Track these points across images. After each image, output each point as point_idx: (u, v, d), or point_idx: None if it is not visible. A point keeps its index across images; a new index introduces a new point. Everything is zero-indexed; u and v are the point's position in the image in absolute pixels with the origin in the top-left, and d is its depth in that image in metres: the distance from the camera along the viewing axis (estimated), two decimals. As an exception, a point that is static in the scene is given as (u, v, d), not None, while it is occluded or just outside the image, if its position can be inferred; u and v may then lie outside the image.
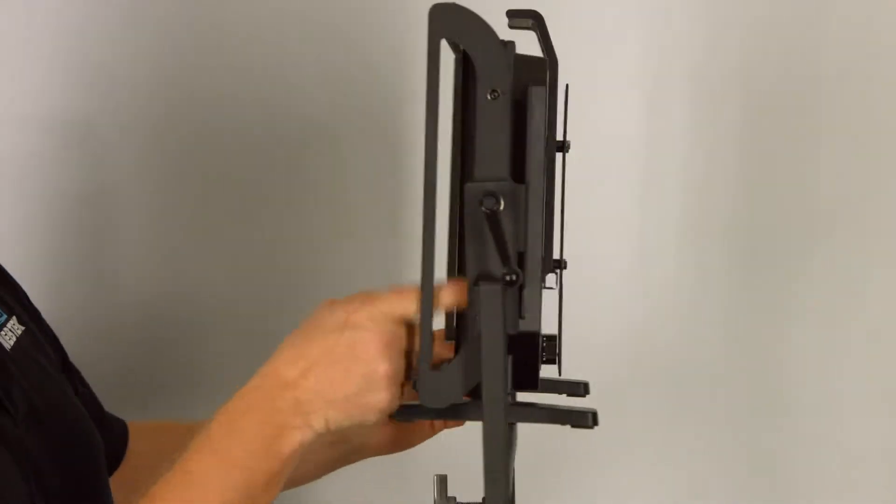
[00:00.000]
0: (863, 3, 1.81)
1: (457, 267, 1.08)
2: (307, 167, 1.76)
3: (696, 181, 1.83)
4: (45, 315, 1.32)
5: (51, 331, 1.32)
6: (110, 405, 1.40)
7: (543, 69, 1.08)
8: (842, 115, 1.81)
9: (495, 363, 1.04)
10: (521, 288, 1.06)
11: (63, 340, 1.35)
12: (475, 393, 1.07)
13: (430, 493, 1.26)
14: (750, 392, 1.83)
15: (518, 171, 1.07)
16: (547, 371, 1.24)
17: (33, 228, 1.69)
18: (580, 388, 1.26)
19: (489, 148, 1.04)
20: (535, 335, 1.08)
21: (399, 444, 1.34)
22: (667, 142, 1.82)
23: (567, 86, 1.15)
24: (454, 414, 1.09)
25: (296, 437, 1.06)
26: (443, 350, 1.14)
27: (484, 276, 1.04)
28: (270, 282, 1.75)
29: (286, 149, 1.75)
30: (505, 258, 1.03)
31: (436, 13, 1.03)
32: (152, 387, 1.73)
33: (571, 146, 1.23)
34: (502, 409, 1.04)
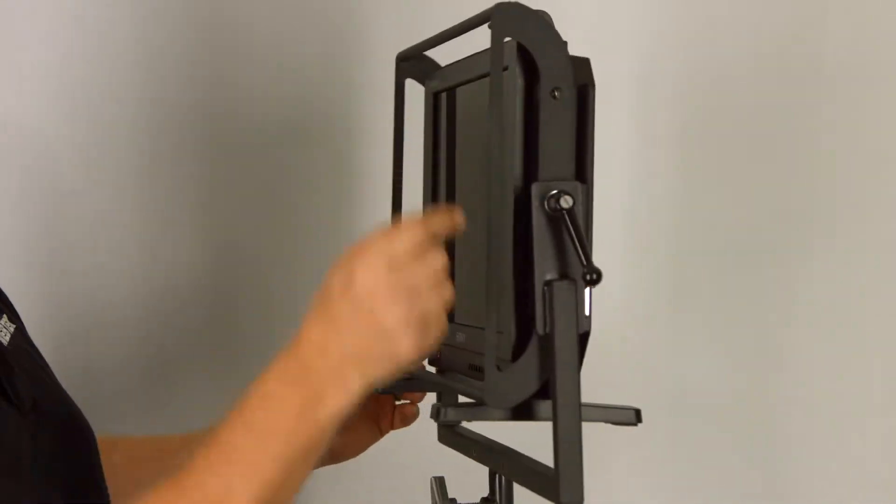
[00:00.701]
0: (863, 3, 1.81)
1: (512, 267, 1.07)
2: (304, 165, 1.76)
3: (693, 181, 1.82)
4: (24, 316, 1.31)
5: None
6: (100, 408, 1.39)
7: (590, 68, 1.08)
8: (842, 114, 1.81)
9: (570, 362, 1.03)
10: (591, 287, 1.05)
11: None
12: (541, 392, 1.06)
13: (427, 494, 1.26)
14: (750, 392, 1.83)
15: (579, 171, 1.07)
16: None
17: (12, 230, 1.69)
18: None
19: (554, 147, 1.05)
20: (587, 335, 1.06)
21: (348, 451, 1.34)
22: (660, 141, 1.81)
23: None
24: (521, 415, 1.08)
25: (333, 403, 1.04)
26: None
27: (560, 275, 1.04)
28: (266, 280, 1.74)
29: (284, 147, 1.75)
30: (586, 257, 1.02)
31: (499, 12, 1.04)
32: (139, 388, 1.73)
33: None
34: (578, 410, 1.03)
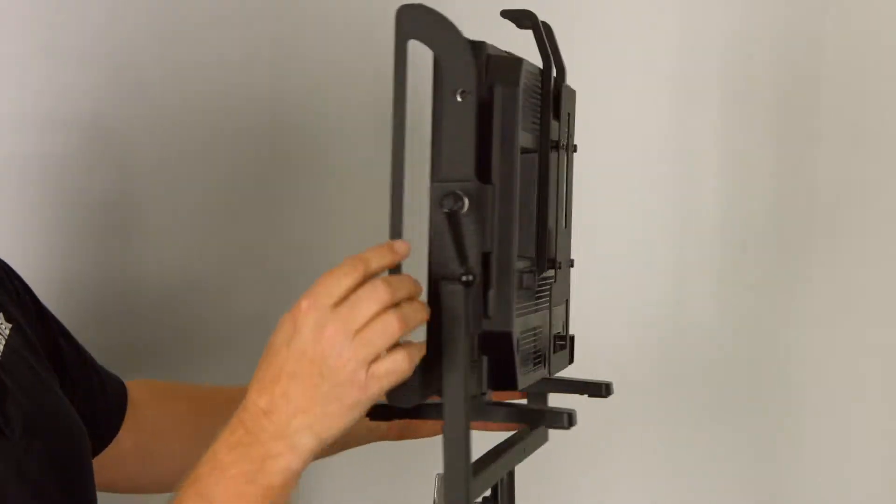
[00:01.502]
0: (863, 3, 1.81)
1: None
2: (320, 167, 1.76)
3: (694, 182, 1.82)
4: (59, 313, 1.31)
5: (44, 309, 1.31)
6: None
7: (516, 68, 1.07)
8: (842, 114, 1.81)
9: (456, 362, 1.02)
10: (486, 288, 1.05)
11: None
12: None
13: (429, 492, 1.26)
14: (749, 393, 1.83)
15: (484, 172, 1.06)
16: (568, 371, 1.24)
17: (49, 229, 1.68)
18: (601, 389, 1.26)
19: (454, 148, 1.04)
20: (507, 335, 1.06)
21: (411, 430, 1.33)
22: (670, 144, 1.82)
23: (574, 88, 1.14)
24: (419, 414, 1.07)
25: (281, 464, 1.02)
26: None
27: (445, 276, 1.03)
28: (291, 281, 1.74)
29: (299, 149, 1.75)
30: (462, 258, 1.02)
31: (403, 14, 1.03)
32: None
33: (580, 147, 1.23)
34: (462, 409, 1.02)
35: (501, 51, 1.10)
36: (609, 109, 1.77)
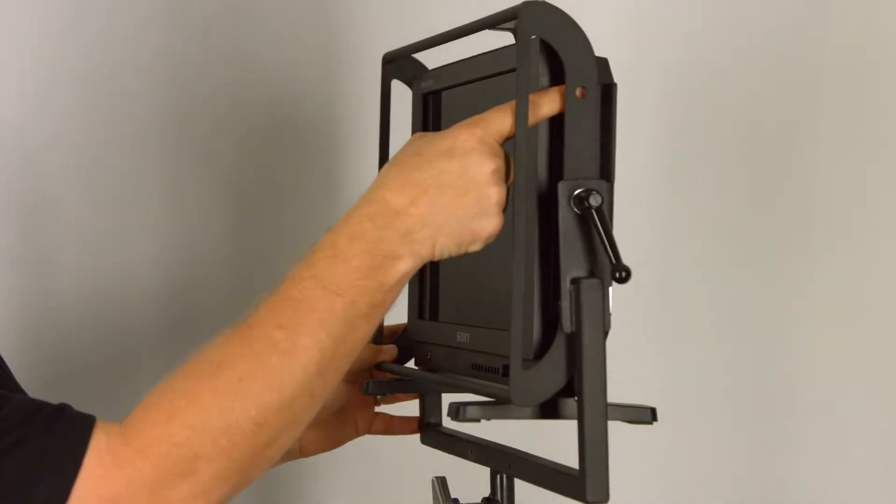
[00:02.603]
0: (863, 3, 1.81)
1: (537, 266, 1.07)
2: (291, 168, 1.75)
3: (694, 182, 1.83)
4: None
5: None
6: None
7: (609, 68, 1.08)
8: (842, 113, 1.81)
9: (597, 360, 1.03)
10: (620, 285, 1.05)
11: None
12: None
13: (428, 495, 1.26)
14: (749, 393, 1.83)
15: (604, 170, 1.07)
16: None
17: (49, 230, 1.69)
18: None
19: (580, 146, 1.05)
20: (606, 334, 1.07)
21: (320, 446, 1.33)
22: (665, 142, 1.82)
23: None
24: (547, 413, 1.08)
25: (401, 267, 1.04)
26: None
27: (590, 273, 1.05)
28: (252, 285, 1.74)
29: (272, 149, 1.75)
30: (615, 255, 1.03)
31: (527, 10, 1.04)
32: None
33: None
34: (604, 408, 1.03)
35: None
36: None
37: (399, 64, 1.28)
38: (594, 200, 1.04)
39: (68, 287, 1.67)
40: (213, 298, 1.72)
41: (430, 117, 1.26)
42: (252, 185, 1.74)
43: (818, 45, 1.80)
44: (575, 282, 1.05)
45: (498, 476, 1.22)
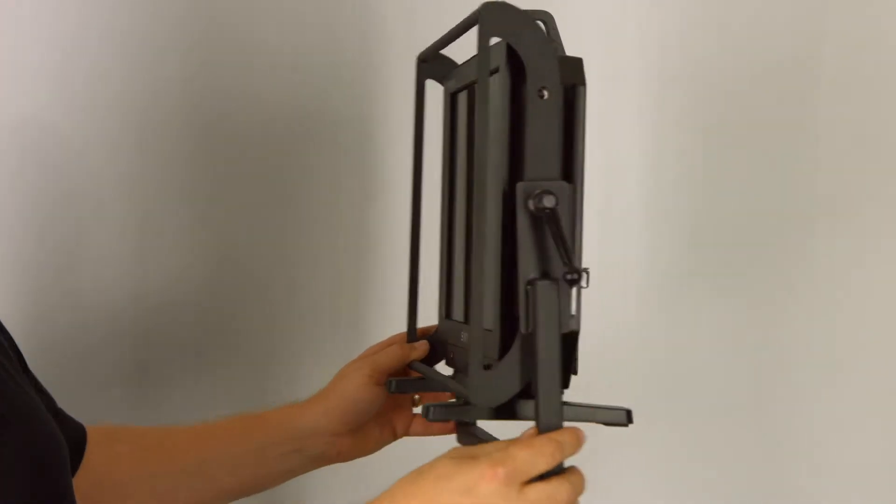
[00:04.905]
0: (864, 3, 1.81)
1: (500, 265, 1.06)
2: (321, 167, 1.75)
3: (694, 182, 1.82)
4: (7, 320, 1.30)
5: (8, 334, 1.30)
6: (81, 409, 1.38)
7: (582, 68, 1.07)
8: (842, 114, 1.81)
9: (551, 361, 1.02)
10: (572, 287, 1.05)
11: (29, 345, 1.33)
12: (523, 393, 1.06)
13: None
14: (750, 394, 1.83)
15: (566, 171, 1.06)
16: None
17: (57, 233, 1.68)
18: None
19: (540, 147, 1.04)
20: (576, 335, 1.06)
21: (357, 451, 1.33)
22: (663, 142, 1.81)
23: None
24: (503, 414, 1.07)
25: None
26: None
27: (544, 274, 1.03)
28: (297, 288, 1.73)
29: (298, 149, 1.74)
30: (568, 257, 1.02)
31: (487, 11, 1.03)
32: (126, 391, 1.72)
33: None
34: (559, 409, 1.03)
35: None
36: (606, 107, 1.77)
37: (432, 63, 1.27)
38: (548, 202, 1.03)
39: (92, 288, 1.67)
40: (247, 298, 1.72)
41: (458, 115, 1.25)
42: (281, 187, 1.73)
43: (818, 45, 1.80)
44: (531, 283, 1.04)
45: None
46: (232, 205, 1.72)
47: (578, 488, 1.01)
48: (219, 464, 1.33)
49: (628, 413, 1.08)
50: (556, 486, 1.00)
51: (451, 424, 1.30)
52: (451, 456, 1.03)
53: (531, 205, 1.03)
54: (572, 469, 1.02)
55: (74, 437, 1.32)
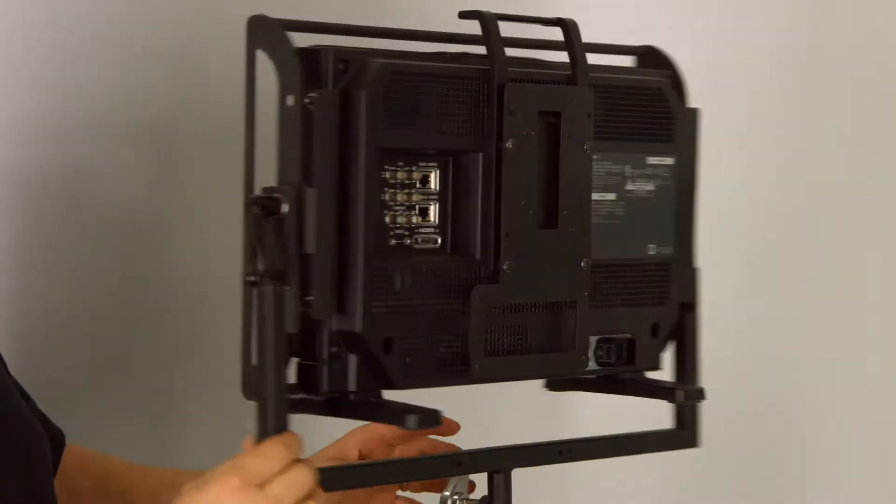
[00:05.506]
0: (864, 3, 1.81)
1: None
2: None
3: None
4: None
5: None
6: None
7: (364, 72, 1.10)
8: (842, 113, 1.81)
9: (264, 360, 1.05)
10: (307, 289, 1.07)
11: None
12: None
13: (429, 497, 1.26)
14: (749, 394, 1.83)
15: (308, 176, 1.09)
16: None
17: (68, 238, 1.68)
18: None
19: (287, 152, 1.08)
20: (355, 335, 1.08)
21: None
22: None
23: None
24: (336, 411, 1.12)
25: None
26: None
27: (254, 274, 1.07)
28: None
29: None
30: (248, 259, 1.06)
31: (251, 25, 1.08)
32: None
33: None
34: (274, 409, 1.05)
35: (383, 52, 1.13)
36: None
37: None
38: (253, 209, 1.06)
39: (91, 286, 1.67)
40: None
41: None
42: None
43: (818, 45, 1.81)
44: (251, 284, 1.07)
45: (496, 476, 1.23)
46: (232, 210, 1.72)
47: (313, 470, 1.05)
48: None
49: (420, 418, 1.11)
50: (294, 473, 1.03)
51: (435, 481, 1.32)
52: (187, 489, 1.05)
53: (257, 207, 1.06)
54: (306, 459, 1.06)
55: (54, 442, 1.33)
